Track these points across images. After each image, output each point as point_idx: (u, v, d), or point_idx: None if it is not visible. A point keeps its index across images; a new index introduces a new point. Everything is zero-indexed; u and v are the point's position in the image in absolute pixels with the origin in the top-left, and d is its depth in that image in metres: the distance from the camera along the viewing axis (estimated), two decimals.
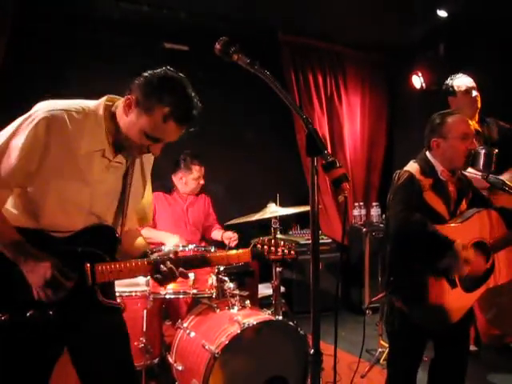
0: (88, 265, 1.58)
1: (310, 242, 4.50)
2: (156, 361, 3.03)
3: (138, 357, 2.83)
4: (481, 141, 3.09)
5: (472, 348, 3.50)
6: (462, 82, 3.32)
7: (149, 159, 1.86)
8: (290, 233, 4.83)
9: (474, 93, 3.27)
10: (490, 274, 2.26)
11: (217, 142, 4.44)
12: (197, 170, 3.62)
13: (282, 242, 1.96)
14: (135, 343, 2.82)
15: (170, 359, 2.77)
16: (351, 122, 5.36)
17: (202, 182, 3.66)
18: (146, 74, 1.57)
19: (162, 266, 1.68)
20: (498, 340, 3.54)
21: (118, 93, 1.66)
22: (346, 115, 5.32)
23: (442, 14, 4.28)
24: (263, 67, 1.34)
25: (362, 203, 5.14)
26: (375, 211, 5.09)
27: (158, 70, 1.57)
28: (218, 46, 1.37)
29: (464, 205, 2.33)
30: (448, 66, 4.18)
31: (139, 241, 1.92)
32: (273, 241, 1.94)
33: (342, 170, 1.22)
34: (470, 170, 2.50)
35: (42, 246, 1.54)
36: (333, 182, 1.21)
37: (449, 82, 3.36)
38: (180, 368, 2.64)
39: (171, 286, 2.75)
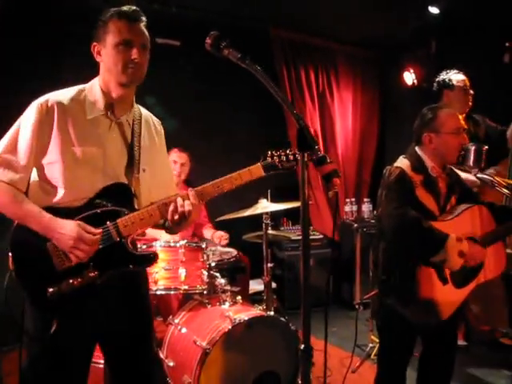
0: (109, 223, 1.64)
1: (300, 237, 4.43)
2: None
3: None
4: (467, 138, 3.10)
5: (462, 343, 3.53)
6: (460, 77, 3.35)
7: (159, 132, 1.94)
8: (282, 228, 4.82)
9: (471, 91, 3.31)
10: (480, 270, 2.27)
11: (206, 137, 4.42)
12: (175, 153, 3.62)
13: (281, 151, 1.84)
14: None
15: (162, 355, 2.76)
16: (343, 118, 5.36)
17: (179, 170, 3.58)
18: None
19: (179, 199, 1.69)
20: (488, 335, 3.57)
21: None
22: (338, 111, 5.32)
23: (434, 10, 4.29)
24: (254, 62, 1.33)
25: (353, 199, 5.13)
26: (366, 207, 5.08)
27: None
28: (208, 41, 1.37)
29: (453, 200, 2.34)
30: (440, 63, 4.18)
31: None
32: (280, 150, 1.83)
33: (333, 166, 1.22)
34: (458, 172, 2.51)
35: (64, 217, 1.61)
36: (323, 177, 1.20)
37: (445, 76, 3.37)
38: (171, 364, 2.64)
39: (162, 283, 2.74)
